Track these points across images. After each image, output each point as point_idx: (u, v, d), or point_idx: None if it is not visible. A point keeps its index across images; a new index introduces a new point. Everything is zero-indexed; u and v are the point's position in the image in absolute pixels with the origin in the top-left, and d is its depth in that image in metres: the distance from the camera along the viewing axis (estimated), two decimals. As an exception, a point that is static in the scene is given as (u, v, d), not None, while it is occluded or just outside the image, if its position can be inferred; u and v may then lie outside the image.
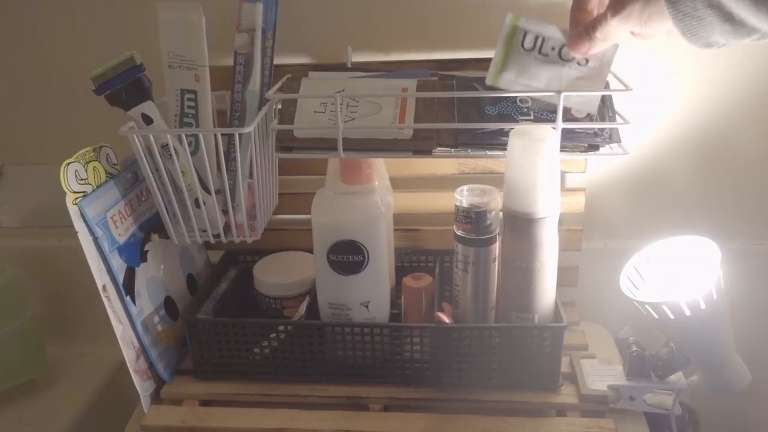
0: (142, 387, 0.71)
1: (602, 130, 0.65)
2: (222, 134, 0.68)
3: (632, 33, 0.52)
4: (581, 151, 0.66)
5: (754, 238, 0.86)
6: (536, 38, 0.58)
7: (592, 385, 0.69)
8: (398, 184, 0.80)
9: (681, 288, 0.61)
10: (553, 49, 0.58)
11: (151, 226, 0.74)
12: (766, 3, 0.41)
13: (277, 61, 0.70)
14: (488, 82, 0.59)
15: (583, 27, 0.55)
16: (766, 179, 0.83)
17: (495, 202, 0.65)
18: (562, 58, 0.58)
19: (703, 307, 0.58)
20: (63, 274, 0.92)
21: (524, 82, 0.59)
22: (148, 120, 0.64)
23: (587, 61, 0.58)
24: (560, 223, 0.67)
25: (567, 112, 0.64)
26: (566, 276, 0.81)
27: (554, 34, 0.58)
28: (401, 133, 0.64)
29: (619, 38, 0.53)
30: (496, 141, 0.65)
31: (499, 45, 0.58)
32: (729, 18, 0.43)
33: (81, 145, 0.66)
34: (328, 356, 0.72)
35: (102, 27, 0.82)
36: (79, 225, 0.64)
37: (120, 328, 0.68)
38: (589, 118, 0.64)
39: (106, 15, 0.82)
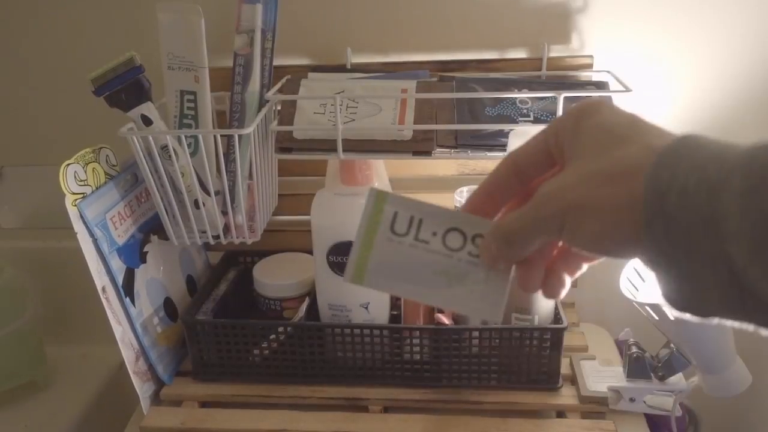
0: (142, 388, 0.71)
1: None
2: (221, 135, 0.68)
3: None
4: (581, 152, 0.66)
5: (754, 239, 0.86)
6: (410, 219, 0.38)
7: (592, 387, 0.69)
8: (398, 185, 0.79)
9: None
10: (434, 234, 0.38)
11: (151, 228, 0.74)
12: None
13: (276, 62, 0.70)
14: (346, 280, 0.38)
15: (497, 224, 0.36)
16: (766, 180, 0.83)
17: (495, 203, 0.65)
18: (447, 247, 0.38)
19: (703, 308, 0.58)
20: (62, 276, 0.91)
21: (397, 285, 0.39)
22: (147, 121, 0.64)
23: None
24: (560, 224, 0.66)
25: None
26: (566, 277, 0.81)
27: (436, 213, 0.38)
28: (401, 134, 0.64)
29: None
30: (496, 142, 0.65)
31: (359, 229, 0.38)
32: (737, 280, 0.26)
33: (80, 147, 0.66)
34: (327, 357, 0.72)
35: (101, 28, 0.82)
36: (78, 226, 0.64)
37: (119, 329, 0.68)
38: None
39: (106, 16, 0.82)
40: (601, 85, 0.72)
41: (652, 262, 0.29)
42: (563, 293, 0.37)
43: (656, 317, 0.61)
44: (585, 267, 0.37)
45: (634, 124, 0.31)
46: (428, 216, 0.38)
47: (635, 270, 0.66)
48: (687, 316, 0.30)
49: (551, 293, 0.36)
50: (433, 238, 0.38)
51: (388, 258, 0.38)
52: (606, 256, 0.32)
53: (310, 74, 0.74)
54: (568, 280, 0.36)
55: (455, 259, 0.38)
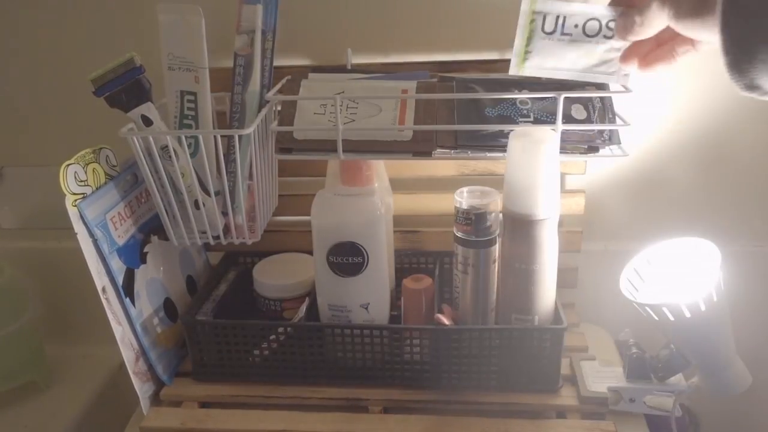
0: (142, 389, 0.71)
1: (602, 131, 0.65)
2: (222, 136, 0.68)
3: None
4: (581, 153, 0.66)
5: (754, 240, 0.86)
6: (557, 19, 0.56)
7: (592, 387, 0.69)
8: (398, 185, 0.80)
9: (681, 290, 0.61)
10: (576, 26, 0.56)
11: (151, 228, 0.74)
12: None
13: (276, 62, 0.70)
14: (512, 71, 0.58)
15: (635, 9, 0.51)
16: (765, 181, 0.83)
17: (495, 203, 0.65)
18: (586, 34, 0.56)
19: (703, 308, 0.58)
20: (62, 276, 0.92)
21: (550, 67, 0.58)
22: (147, 121, 0.64)
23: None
24: (560, 224, 0.67)
25: (567, 114, 0.64)
26: (566, 277, 0.81)
27: (575, 10, 0.56)
28: (401, 134, 0.64)
29: (658, 26, 0.50)
30: (496, 142, 0.65)
31: (518, 33, 0.57)
32: None
33: (80, 147, 0.66)
34: (327, 358, 0.72)
35: (102, 28, 0.82)
36: (78, 227, 0.64)
37: (119, 329, 0.68)
38: (588, 119, 0.64)
39: (106, 16, 0.82)
40: (601, 86, 0.72)
41: (725, 36, 0.41)
42: (662, 68, 0.53)
43: (656, 318, 0.61)
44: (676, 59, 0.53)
45: None
46: (570, 14, 0.56)
47: (635, 270, 0.66)
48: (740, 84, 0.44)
49: (650, 62, 0.54)
50: (575, 30, 0.56)
51: (541, 51, 0.57)
52: (691, 25, 0.48)
53: (311, 75, 0.74)
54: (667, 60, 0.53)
55: (593, 42, 0.56)
